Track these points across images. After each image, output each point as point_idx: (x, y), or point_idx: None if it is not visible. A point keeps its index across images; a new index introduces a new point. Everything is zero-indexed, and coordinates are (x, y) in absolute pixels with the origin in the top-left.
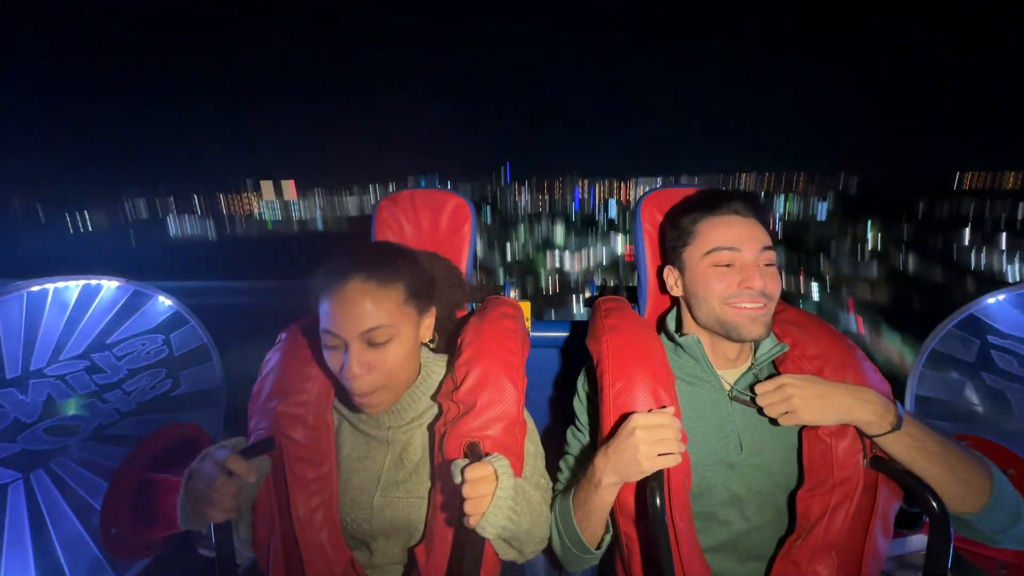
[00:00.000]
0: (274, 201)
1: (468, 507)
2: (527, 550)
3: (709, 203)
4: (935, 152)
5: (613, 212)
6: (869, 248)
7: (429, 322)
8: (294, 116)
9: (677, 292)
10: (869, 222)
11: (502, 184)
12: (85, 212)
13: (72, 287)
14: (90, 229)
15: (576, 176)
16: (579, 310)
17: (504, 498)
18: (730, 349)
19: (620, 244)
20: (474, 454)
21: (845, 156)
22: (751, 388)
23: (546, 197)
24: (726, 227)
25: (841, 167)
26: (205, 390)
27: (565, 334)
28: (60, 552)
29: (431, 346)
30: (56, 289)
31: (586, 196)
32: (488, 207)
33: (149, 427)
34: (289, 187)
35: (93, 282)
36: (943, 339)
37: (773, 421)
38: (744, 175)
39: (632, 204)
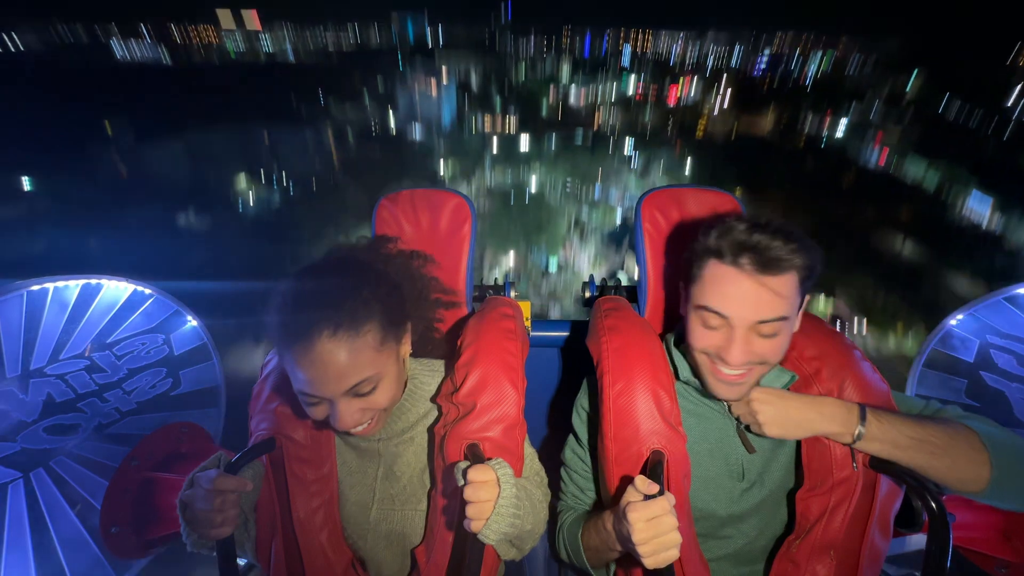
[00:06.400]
0: (235, 31)
1: (471, 511)
2: (526, 547)
3: (719, 244)
4: (989, 19)
5: (627, 60)
6: (908, 99)
7: (408, 337)
8: None
9: (684, 312)
10: (916, 71)
11: (501, 23)
12: (12, 33)
13: (72, 286)
14: (21, 49)
15: (587, 24)
16: (579, 140)
17: (507, 506)
18: None
19: (631, 85)
20: (475, 456)
21: (893, 20)
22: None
23: (552, 39)
24: (724, 284)
25: (889, 32)
26: (205, 389)
27: (565, 334)
28: (60, 551)
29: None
30: (56, 288)
31: (597, 44)
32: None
33: (149, 426)
34: (251, 16)
35: (93, 281)
36: (943, 339)
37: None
38: (779, 34)
39: (650, 52)
